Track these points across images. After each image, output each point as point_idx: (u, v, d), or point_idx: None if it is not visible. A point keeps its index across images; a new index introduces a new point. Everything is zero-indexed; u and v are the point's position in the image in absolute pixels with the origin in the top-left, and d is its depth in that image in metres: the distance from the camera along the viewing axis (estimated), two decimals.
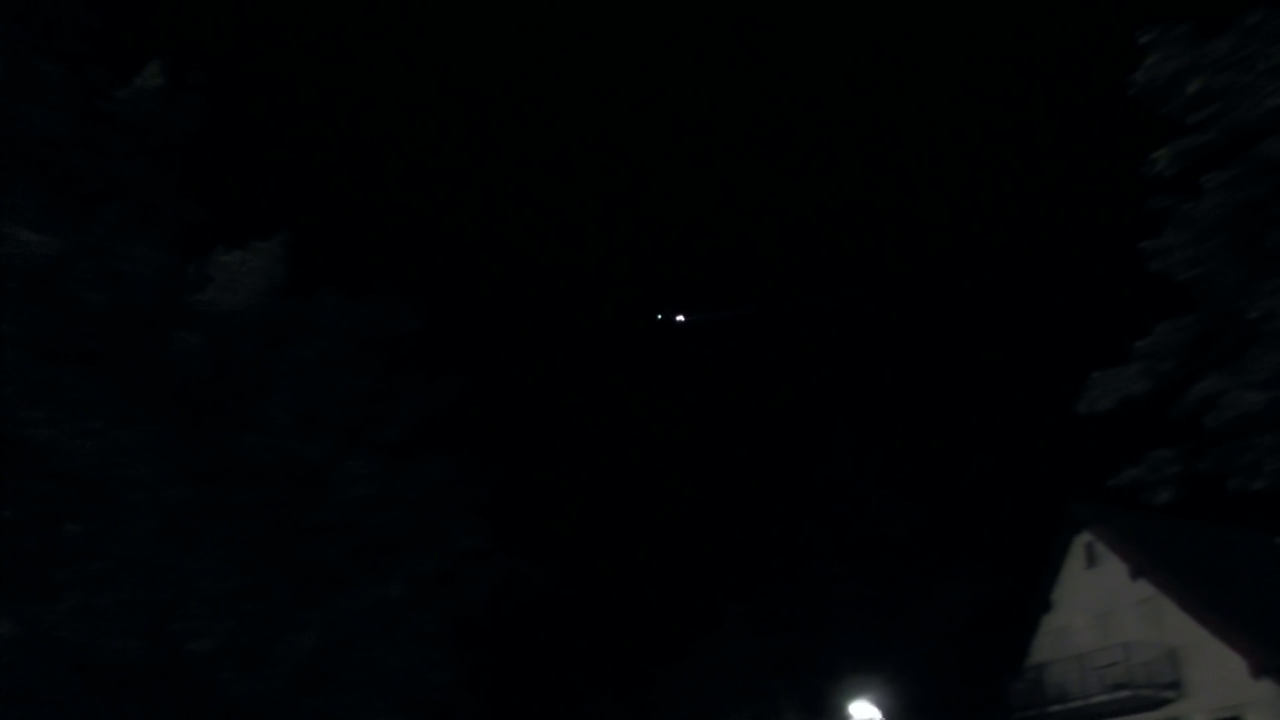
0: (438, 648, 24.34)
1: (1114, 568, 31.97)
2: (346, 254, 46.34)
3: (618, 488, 38.71)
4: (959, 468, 39.80)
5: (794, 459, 39.98)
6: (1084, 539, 33.03)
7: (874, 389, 48.73)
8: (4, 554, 18.27)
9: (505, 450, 33.16)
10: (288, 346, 23.68)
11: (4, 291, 18.36)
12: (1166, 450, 17.18)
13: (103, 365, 19.83)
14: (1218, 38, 15.87)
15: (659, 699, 35.32)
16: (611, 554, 37.26)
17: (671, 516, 38.32)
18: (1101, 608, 31.88)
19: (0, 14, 18.35)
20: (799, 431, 41.26)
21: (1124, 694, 29.60)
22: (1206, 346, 16.95)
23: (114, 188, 20.43)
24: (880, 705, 31.91)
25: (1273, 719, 26.49)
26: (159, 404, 20.47)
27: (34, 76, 18.64)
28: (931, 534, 36.78)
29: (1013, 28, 74.74)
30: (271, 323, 23.47)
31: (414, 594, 23.82)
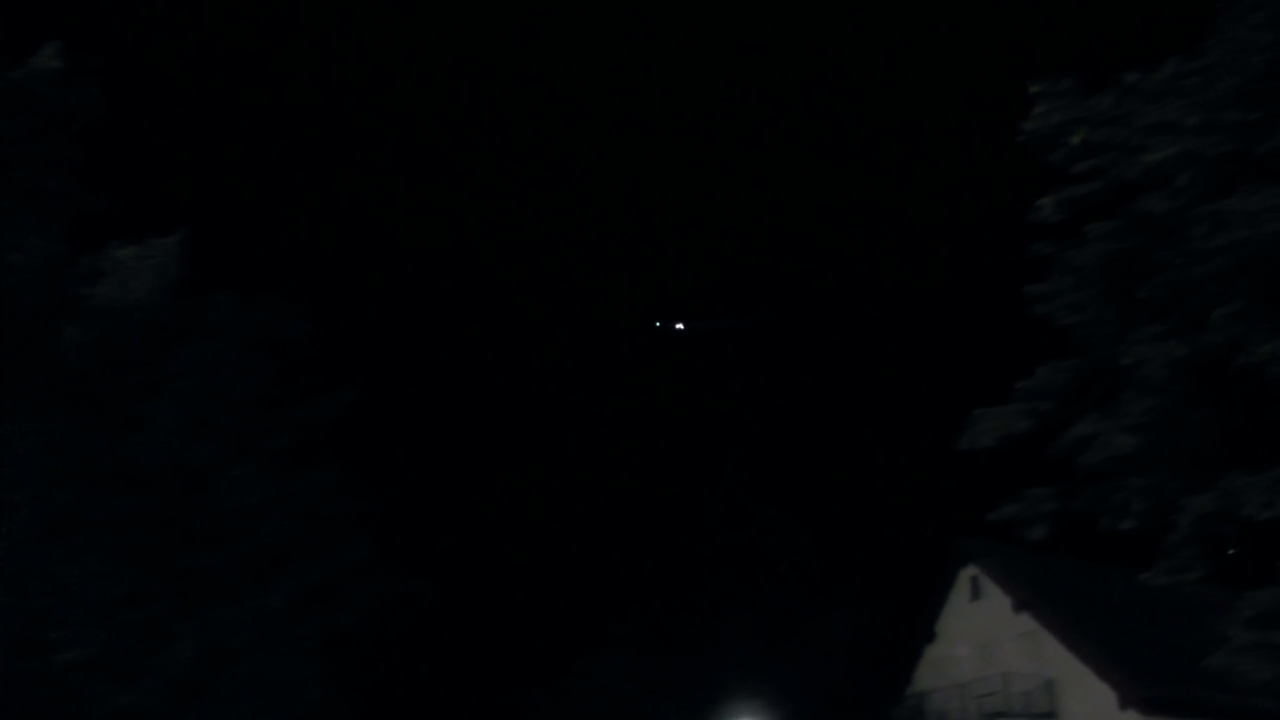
0: (317, 662, 24.47)
1: (997, 601, 33.45)
2: (245, 256, 46.20)
3: (505, 505, 39.17)
4: (849, 498, 41.03)
5: (684, 481, 40.73)
6: (970, 572, 34.50)
7: (768, 416, 49.93)
8: None
9: (394, 464, 33.42)
10: (179, 347, 23.72)
11: None
12: (1043, 488, 18.11)
13: None
14: (1101, 93, 17.04)
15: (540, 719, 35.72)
16: (496, 572, 37.64)
17: (559, 535, 38.83)
18: (984, 639, 33.31)
19: None
20: (691, 454, 42.10)
21: None
22: (1084, 389, 17.97)
23: (2, 171, 20.32)
24: None
25: None
26: (43, 400, 20.42)
27: None
28: (820, 562, 37.86)
29: (909, 69, 76.91)
30: (164, 322, 23.46)
31: (296, 606, 23.98)
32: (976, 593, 34.29)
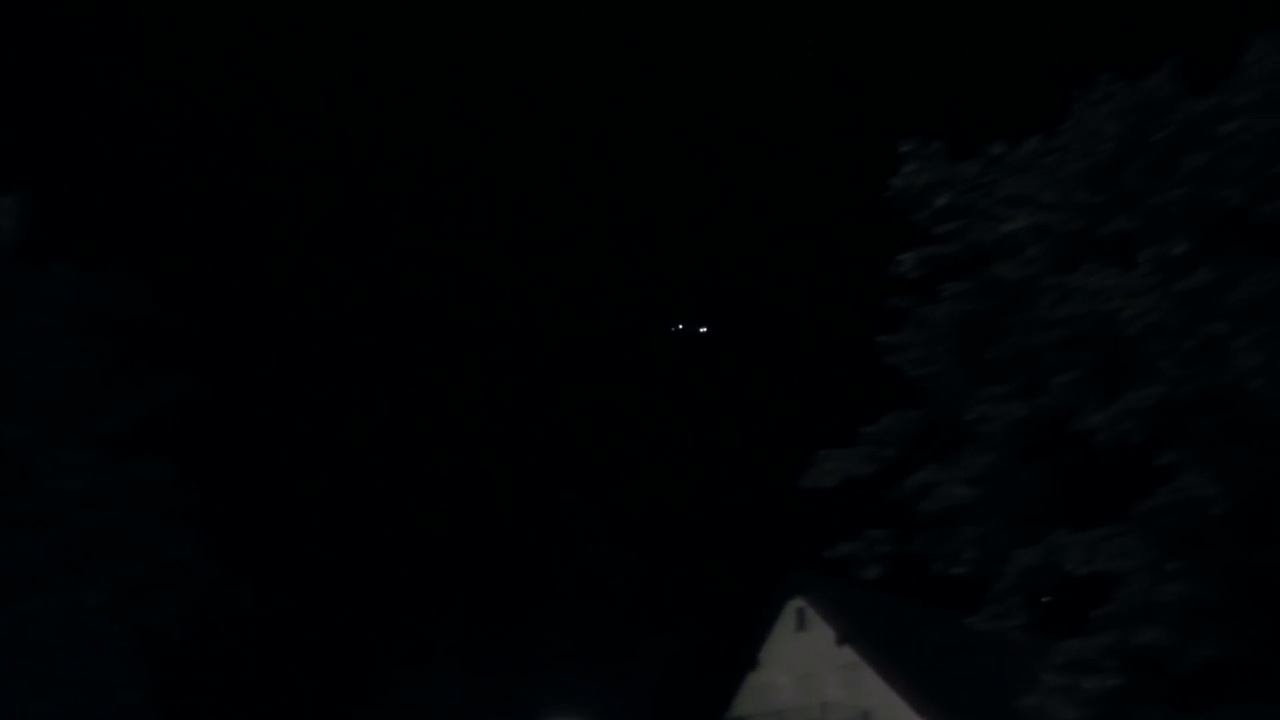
0: (131, 664, 24.04)
1: (822, 633, 35.29)
2: (93, 226, 44.77)
3: (334, 511, 39.23)
4: (685, 523, 42.38)
5: (518, 497, 41.39)
6: (797, 604, 36.25)
7: (607, 437, 50.99)
8: None
9: (225, 458, 33.24)
10: (8, 316, 23.31)
11: None
12: (880, 530, 19.52)
13: None
14: (967, 161, 18.67)
15: None
16: (320, 578, 37.68)
17: (386, 545, 39.01)
18: (805, 669, 35.12)
19: None
20: (526, 470, 42.77)
21: None
22: (927, 440, 19.48)
23: None
24: None
25: None
26: None
27: None
28: (650, 584, 39.12)
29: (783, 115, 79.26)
30: None
31: (112, 603, 23.65)
32: (802, 624, 36.06)
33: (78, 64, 63.32)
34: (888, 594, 32.60)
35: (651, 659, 37.21)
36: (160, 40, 66.25)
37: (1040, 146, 17.89)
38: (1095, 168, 17.10)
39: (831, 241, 71.34)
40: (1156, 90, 17.01)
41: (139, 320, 25.08)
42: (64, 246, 24.70)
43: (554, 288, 70.55)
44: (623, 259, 73.55)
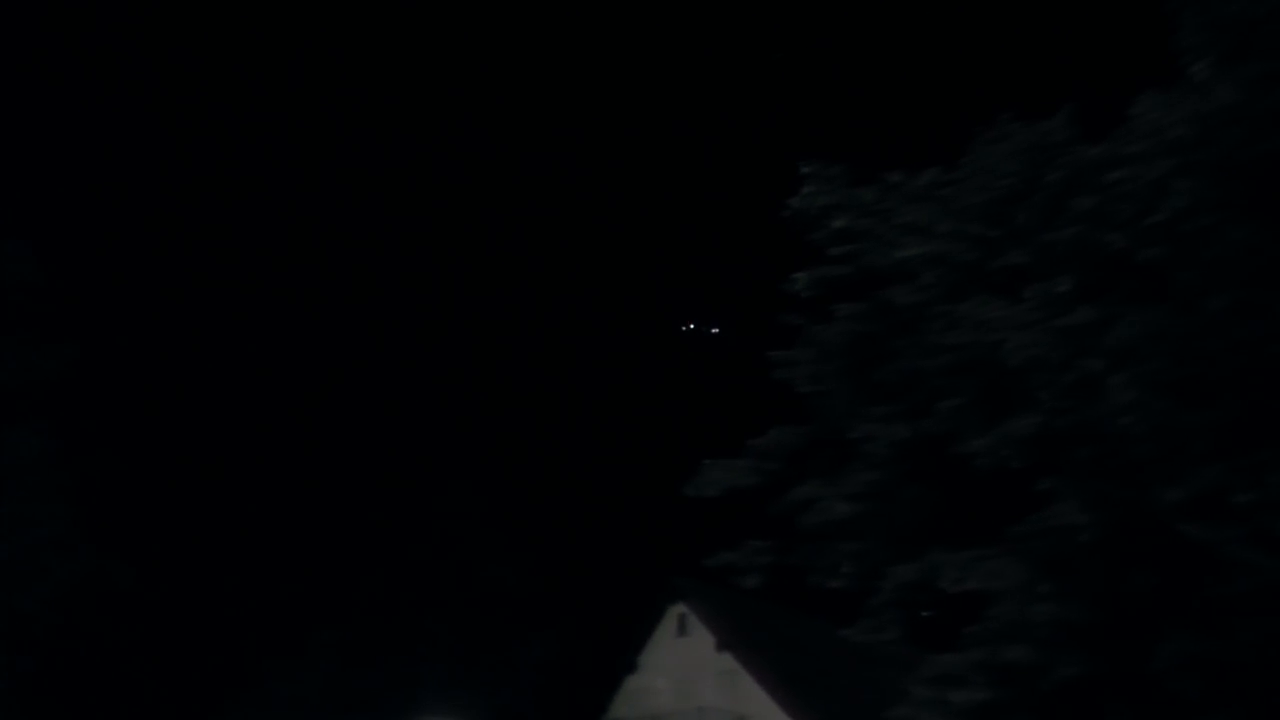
0: None
1: (702, 639, 35.88)
2: None
3: (219, 497, 38.69)
4: (570, 525, 42.60)
5: (403, 491, 41.16)
6: (678, 609, 36.79)
7: (494, 433, 50.99)
8: None
9: (110, 435, 32.58)
10: None
11: None
12: (761, 541, 19.88)
13: None
14: (865, 185, 19.20)
15: None
16: (201, 565, 37.17)
17: (270, 534, 38.56)
18: (685, 674, 35.66)
19: None
20: (413, 466, 42.55)
21: None
22: (812, 455, 19.95)
23: None
24: None
25: None
26: None
27: None
28: (533, 585, 39.27)
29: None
30: None
31: None
32: (683, 629, 36.63)
33: None
34: (768, 603, 33.30)
35: (532, 659, 37.40)
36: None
37: (938, 178, 18.44)
38: (990, 203, 17.70)
39: (730, 255, 72.28)
40: (1052, 134, 17.66)
41: (23, 286, 24.55)
42: None
43: (449, 280, 70.26)
44: (510, 253, 73.57)
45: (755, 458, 20.03)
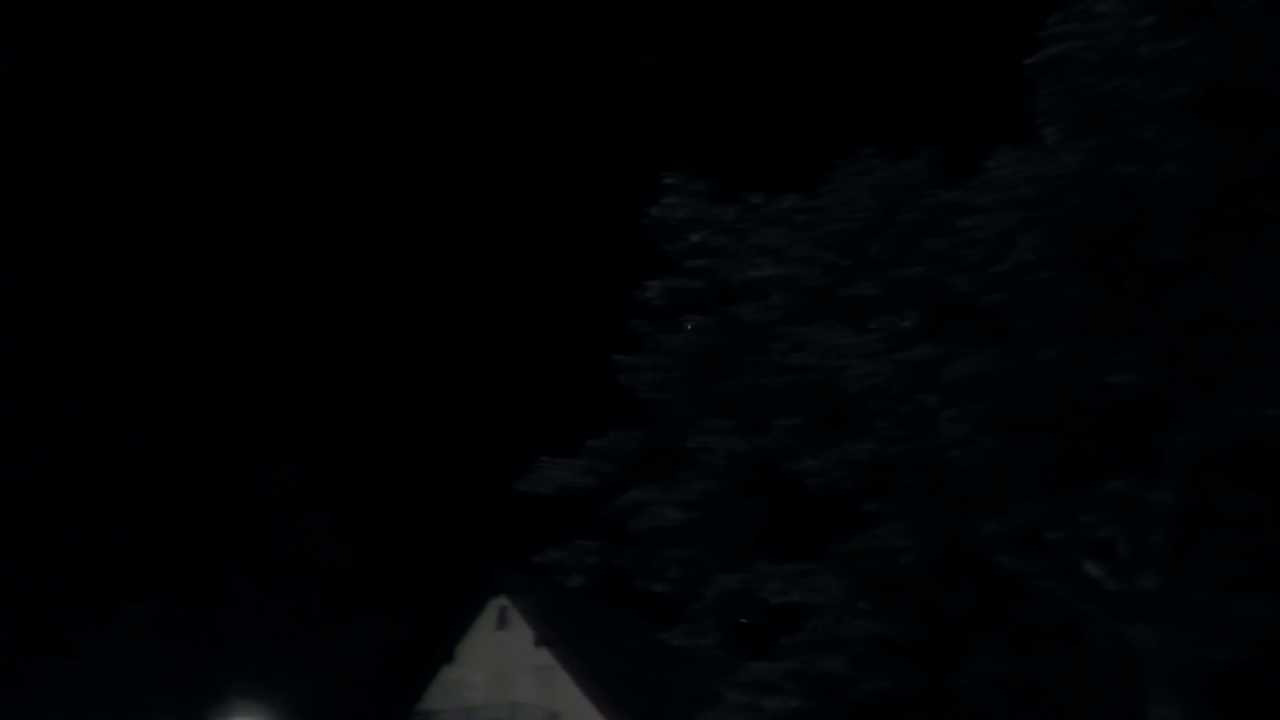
0: None
1: (521, 633, 35.76)
2: None
3: (33, 458, 36.83)
4: (398, 512, 41.96)
5: (229, 463, 39.91)
6: (500, 602, 36.61)
7: (330, 412, 50.09)
8: None
9: None
10: None
11: None
12: (590, 542, 20.03)
13: None
14: (726, 203, 19.40)
15: (22, 697, 33.60)
16: (9, 530, 35.31)
17: (83, 501, 36.83)
18: (501, 667, 35.47)
19: None
20: (239, 436, 41.21)
21: None
22: (648, 461, 20.12)
23: None
24: None
25: None
26: None
27: None
28: (356, 568, 38.50)
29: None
30: None
31: None
32: (503, 623, 36.45)
33: None
34: (591, 602, 33.40)
35: (350, 644, 36.71)
36: None
37: (797, 204, 18.77)
38: (845, 233, 18.10)
39: (586, 258, 72.41)
40: (911, 174, 18.17)
41: None
42: None
43: (293, 254, 68.65)
44: (358, 229, 72.29)
45: (591, 459, 20.07)
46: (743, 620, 20.29)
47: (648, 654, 34.10)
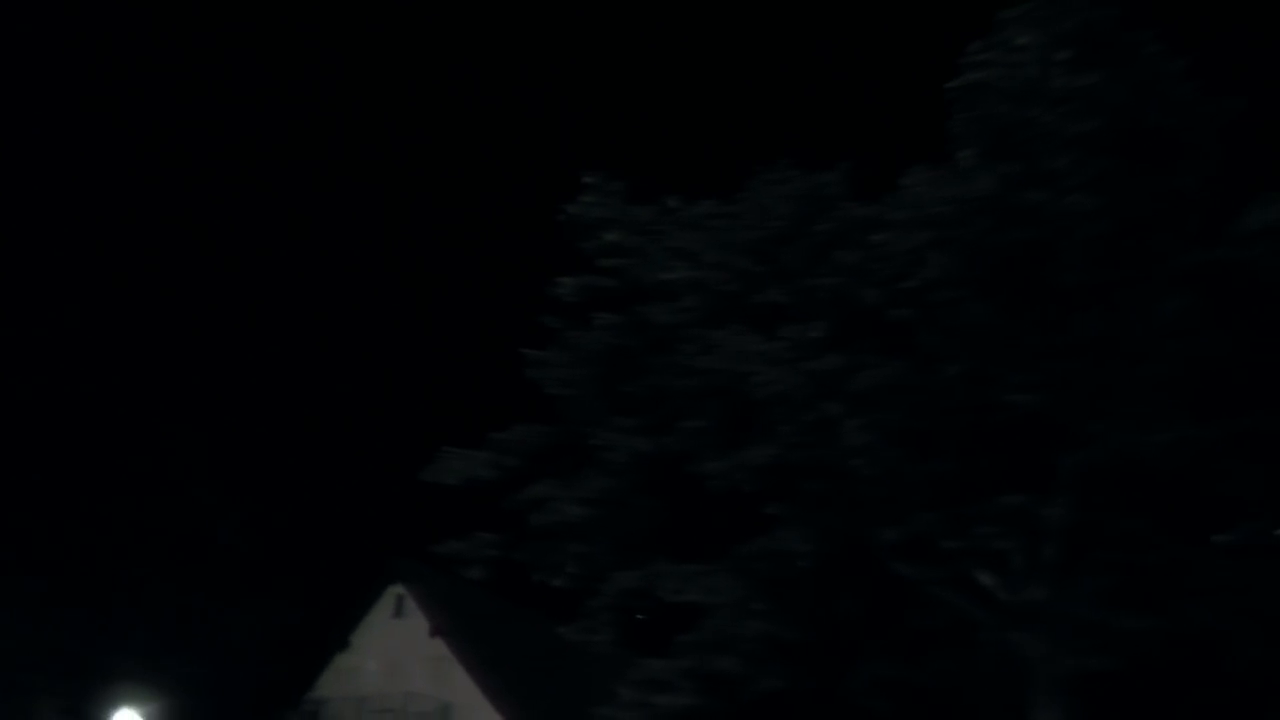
0: None
1: (417, 623, 35.33)
2: None
3: None
4: (298, 493, 41.06)
5: (121, 434, 38.74)
6: (397, 590, 36.14)
7: (232, 386, 48.89)
8: None
9: None
10: None
11: None
12: (490, 534, 19.82)
13: None
14: (643, 205, 19.32)
15: None
16: None
17: None
18: (396, 656, 35.02)
19: None
20: (133, 405, 39.95)
21: None
22: (551, 456, 19.95)
23: None
24: (145, 716, 32.01)
25: None
26: None
27: None
28: (252, 550, 37.62)
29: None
30: None
31: None
32: (399, 611, 35.99)
33: None
34: (489, 594, 33.10)
35: (243, 627, 35.91)
36: None
37: (713, 209, 18.77)
38: (760, 240, 18.16)
39: (502, 253, 71.96)
40: (826, 186, 18.32)
41: None
42: None
43: (199, 224, 67.28)
44: (269, 204, 71.22)
45: (495, 451, 19.87)
46: (638, 617, 20.24)
47: (544, 648, 33.96)
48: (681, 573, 18.93)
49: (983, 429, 16.85)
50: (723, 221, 18.54)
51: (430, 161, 78.48)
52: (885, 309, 17.05)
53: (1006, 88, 16.80)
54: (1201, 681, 17.06)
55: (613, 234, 19.23)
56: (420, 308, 70.31)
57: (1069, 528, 16.93)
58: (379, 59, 78.51)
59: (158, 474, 37.58)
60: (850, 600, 18.32)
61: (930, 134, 17.42)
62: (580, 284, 19.51)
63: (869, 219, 17.61)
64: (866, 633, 18.36)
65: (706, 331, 18.12)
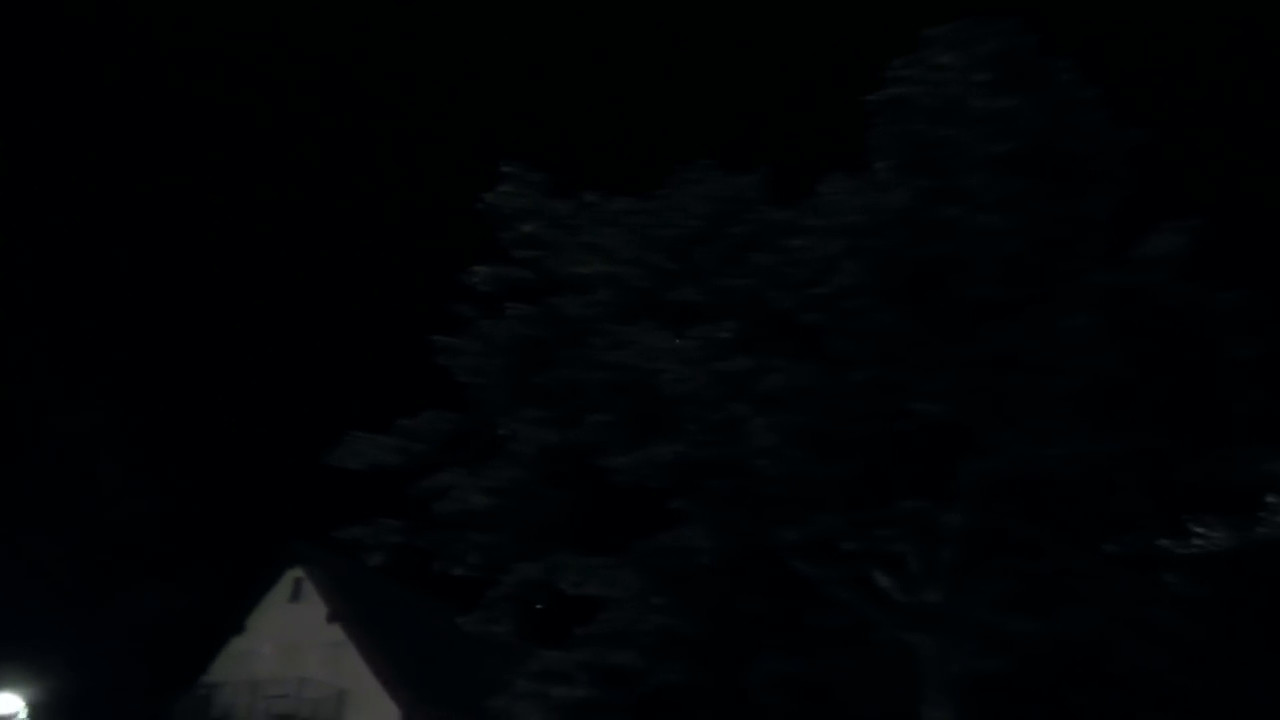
0: None
1: (315, 607, 34.66)
2: None
3: None
4: (198, 471, 40.08)
5: (17, 403, 37.45)
6: (296, 574, 35.43)
7: (135, 356, 47.66)
8: None
9: None
10: None
11: None
12: (393, 520, 19.52)
13: None
14: (562, 198, 19.13)
15: None
16: None
17: None
18: (292, 641, 34.29)
19: None
20: (33, 376, 38.69)
21: None
22: (459, 444, 19.69)
23: None
24: (27, 699, 30.94)
25: None
26: None
27: None
28: (146, 528, 36.54)
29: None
30: None
31: None
32: (297, 595, 35.28)
33: None
34: (391, 581, 32.60)
35: (135, 608, 34.89)
36: None
37: (631, 206, 18.67)
38: (676, 238, 18.11)
39: (417, 240, 71.26)
40: (745, 189, 18.36)
41: None
42: None
43: (105, 201, 65.56)
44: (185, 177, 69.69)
45: (402, 437, 19.56)
46: (538, 608, 20.06)
47: (443, 638, 33.58)
48: (583, 565, 18.75)
49: (888, 434, 16.91)
50: (640, 218, 18.45)
51: (349, 144, 77.43)
52: (797, 313, 17.07)
53: (926, 104, 17.06)
54: (1084, 683, 17.32)
55: (530, 225, 19.05)
56: (332, 290, 69.43)
57: (966, 533, 17.08)
58: (300, 36, 77.25)
59: (52, 453, 36.46)
60: (750, 597, 18.30)
61: (850, 144, 17.59)
62: (495, 273, 19.31)
63: (785, 223, 17.65)
64: (765, 629, 18.36)
65: (619, 326, 18.00)
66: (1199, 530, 18.11)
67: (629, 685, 19.10)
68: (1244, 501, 17.98)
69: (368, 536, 19.66)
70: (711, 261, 17.90)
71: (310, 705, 32.54)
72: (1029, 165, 16.76)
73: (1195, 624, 17.03)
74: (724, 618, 18.35)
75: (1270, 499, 18.09)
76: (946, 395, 16.24)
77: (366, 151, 77.44)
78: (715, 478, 17.28)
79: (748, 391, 16.55)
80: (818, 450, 16.56)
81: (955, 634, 17.01)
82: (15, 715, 30.12)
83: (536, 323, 19.16)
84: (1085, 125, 17.33)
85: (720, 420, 16.79)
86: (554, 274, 19.09)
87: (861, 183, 17.34)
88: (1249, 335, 17.21)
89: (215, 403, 52.30)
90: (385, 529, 19.60)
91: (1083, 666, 17.32)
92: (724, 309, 17.47)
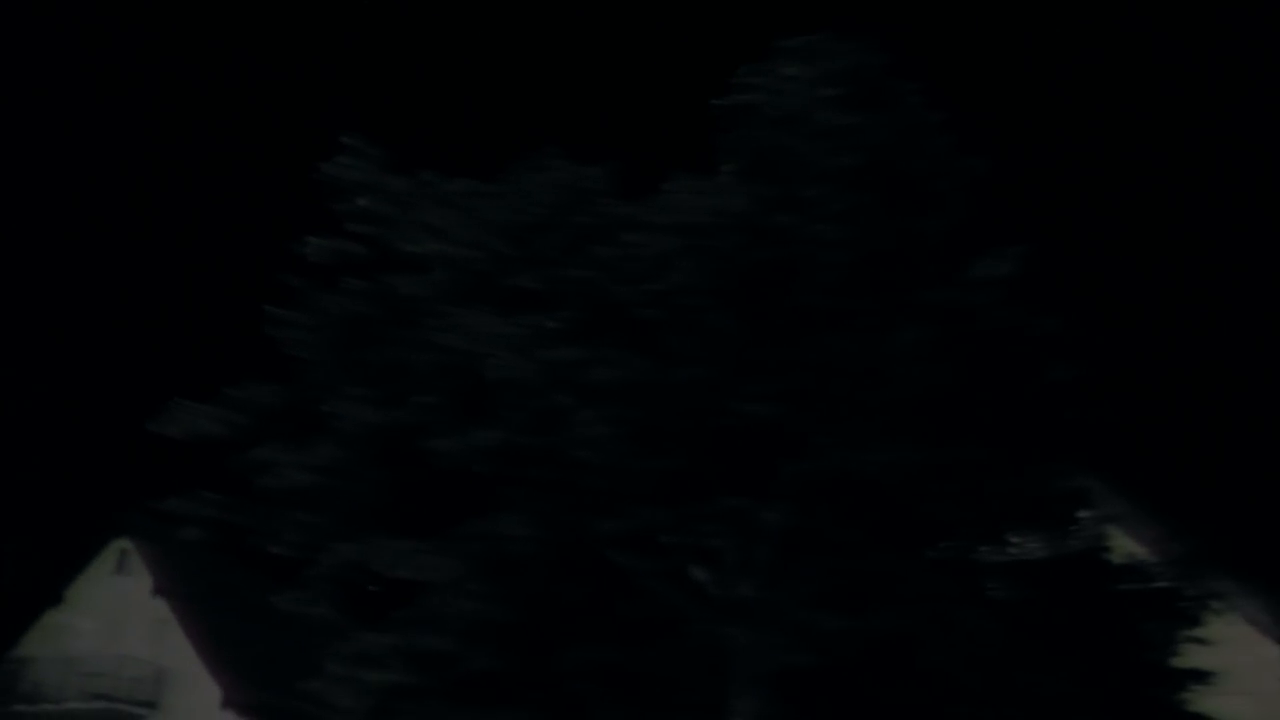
0: None
1: (140, 581, 33.15)
2: None
3: None
4: (14, 431, 38.01)
5: None
6: (122, 544, 33.87)
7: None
8: None
9: None
10: None
11: None
12: (211, 494, 18.69)
13: None
14: (401, 174, 18.53)
15: None
16: None
17: None
18: (114, 616, 32.76)
19: None
20: None
21: (100, 705, 30.90)
22: (282, 418, 18.94)
23: None
24: None
25: None
26: None
27: None
28: None
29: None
30: None
31: None
32: (122, 567, 33.72)
33: None
34: (223, 557, 31.38)
35: None
36: None
37: (471, 188, 18.26)
38: (515, 225, 17.78)
39: (255, 205, 69.63)
40: (591, 180, 18.13)
41: None
42: None
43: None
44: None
45: (226, 408, 18.73)
46: (370, 589, 19.48)
47: (272, 618, 32.52)
48: (399, 548, 18.19)
49: (712, 432, 16.89)
50: (481, 200, 18.03)
51: (184, 109, 75.13)
52: (632, 307, 16.96)
53: (770, 114, 17.29)
54: (890, 679, 17.48)
55: (366, 199, 18.44)
56: (164, 255, 67.29)
57: (784, 531, 17.09)
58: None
59: None
60: (566, 586, 18.03)
61: (700, 146, 17.87)
62: (329, 246, 18.64)
63: (627, 218, 17.49)
64: (579, 618, 18.12)
65: (449, 308, 17.51)
66: (1014, 540, 18.60)
67: (441, 670, 18.62)
68: (1057, 515, 18.62)
69: (184, 508, 18.80)
70: (551, 250, 17.58)
71: (128, 684, 31.15)
72: (869, 181, 17.00)
73: (1003, 626, 17.39)
74: (539, 605, 18.04)
75: (1081, 513, 18.71)
76: (773, 398, 16.26)
77: (205, 115, 75.27)
78: (536, 466, 16.93)
79: (575, 382, 16.25)
80: (642, 444, 16.42)
81: (767, 629, 16.96)
82: None
83: (368, 299, 18.53)
84: (927, 149, 17.73)
85: (543, 409, 16.45)
86: (389, 251, 18.51)
87: (704, 184, 17.36)
88: (1065, 359, 17.93)
89: (43, 364, 50.00)
90: (202, 501, 18.76)
91: (890, 664, 17.46)
92: (561, 298, 17.20)
